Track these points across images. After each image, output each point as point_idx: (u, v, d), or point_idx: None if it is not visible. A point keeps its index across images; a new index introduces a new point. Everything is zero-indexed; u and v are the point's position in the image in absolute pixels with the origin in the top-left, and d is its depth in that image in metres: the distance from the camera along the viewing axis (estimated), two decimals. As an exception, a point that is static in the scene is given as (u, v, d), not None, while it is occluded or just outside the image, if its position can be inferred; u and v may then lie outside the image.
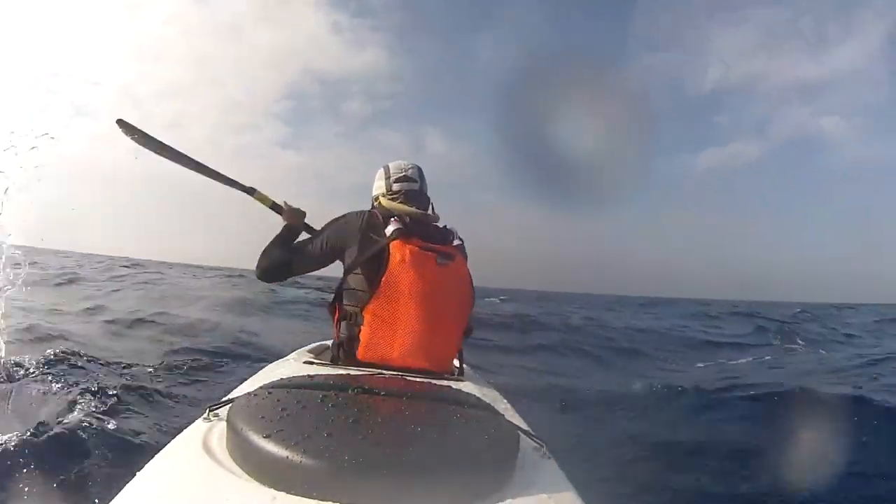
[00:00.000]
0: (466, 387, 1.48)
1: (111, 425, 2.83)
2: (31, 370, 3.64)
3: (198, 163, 2.13)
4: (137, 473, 0.92)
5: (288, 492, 0.85)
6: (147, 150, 2.16)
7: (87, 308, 7.93)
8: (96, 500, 2.12)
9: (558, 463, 1.09)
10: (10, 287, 4.12)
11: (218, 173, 2.13)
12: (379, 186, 1.87)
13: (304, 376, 1.28)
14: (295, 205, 2.03)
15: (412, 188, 1.84)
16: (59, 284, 11.65)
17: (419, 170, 1.90)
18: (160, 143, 2.15)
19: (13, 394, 3.13)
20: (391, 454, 0.90)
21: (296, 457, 0.86)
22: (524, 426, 1.23)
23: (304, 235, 1.97)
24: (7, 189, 3.46)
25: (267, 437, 0.90)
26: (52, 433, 2.62)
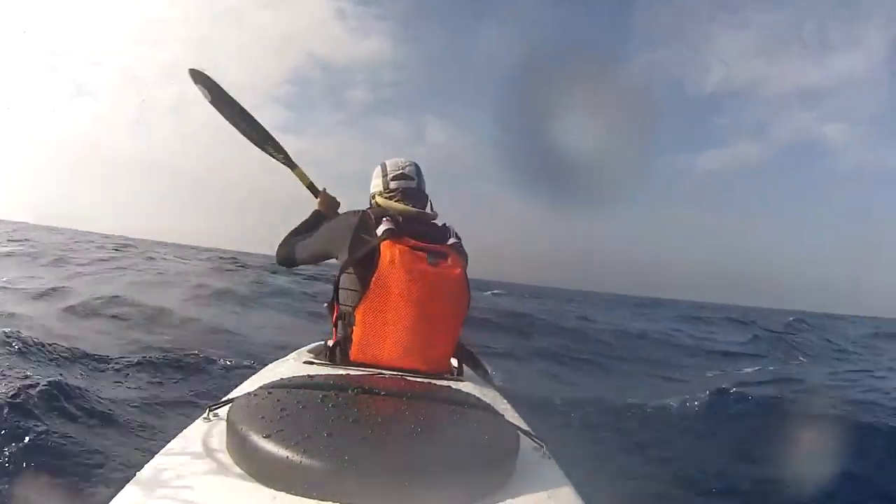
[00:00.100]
0: (466, 387, 1.48)
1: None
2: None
3: (259, 130, 2.07)
4: (137, 473, 0.92)
5: (288, 492, 0.85)
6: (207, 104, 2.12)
7: (49, 290, 7.71)
8: (96, 500, 2.12)
9: (558, 463, 1.09)
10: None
11: (270, 139, 2.07)
12: (376, 184, 1.86)
13: (304, 376, 1.28)
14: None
15: (409, 186, 1.84)
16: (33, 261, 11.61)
17: (417, 167, 1.88)
18: (233, 101, 2.09)
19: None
20: (391, 454, 0.90)
21: (296, 457, 0.85)
22: (524, 426, 1.23)
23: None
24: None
25: (267, 437, 0.90)
26: (50, 431, 2.62)
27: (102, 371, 4.07)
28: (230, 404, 1.08)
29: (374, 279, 1.59)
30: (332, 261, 1.81)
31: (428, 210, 1.84)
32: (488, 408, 1.21)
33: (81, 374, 3.84)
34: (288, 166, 2.10)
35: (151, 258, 17.88)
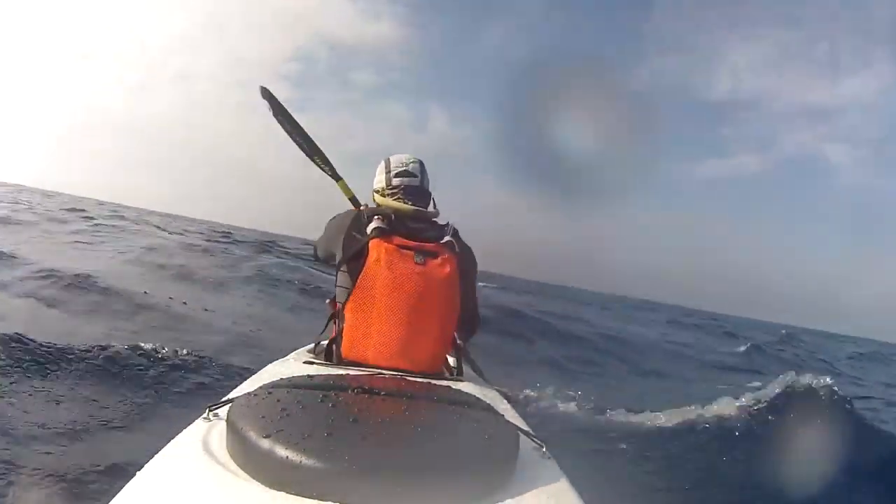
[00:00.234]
0: (466, 387, 1.48)
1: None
2: None
3: (310, 143, 2.10)
4: (137, 473, 0.92)
5: (288, 492, 0.85)
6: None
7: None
8: (96, 500, 2.12)
9: (558, 463, 1.09)
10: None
11: (319, 151, 2.08)
12: (379, 180, 1.86)
13: (304, 376, 1.28)
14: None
15: (412, 183, 1.83)
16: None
17: (421, 164, 1.88)
18: (290, 117, 2.13)
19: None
20: (391, 454, 0.90)
21: (296, 457, 0.86)
22: (524, 426, 1.23)
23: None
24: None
25: (267, 437, 0.90)
26: (47, 431, 2.62)
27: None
28: (230, 404, 1.08)
29: (359, 277, 1.61)
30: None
31: (431, 208, 1.84)
32: (488, 408, 1.21)
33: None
34: (333, 178, 2.10)
35: (138, 227, 17.15)
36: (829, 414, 4.89)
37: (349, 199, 2.07)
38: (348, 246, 1.70)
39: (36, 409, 2.92)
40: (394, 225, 1.68)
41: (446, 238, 1.71)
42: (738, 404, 5.15)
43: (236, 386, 1.43)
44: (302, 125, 2.09)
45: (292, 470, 0.85)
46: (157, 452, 1.00)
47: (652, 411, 5.00)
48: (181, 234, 18.63)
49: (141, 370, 4.01)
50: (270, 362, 1.76)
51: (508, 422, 1.17)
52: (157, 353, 4.24)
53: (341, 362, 1.65)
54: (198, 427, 1.09)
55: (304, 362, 1.71)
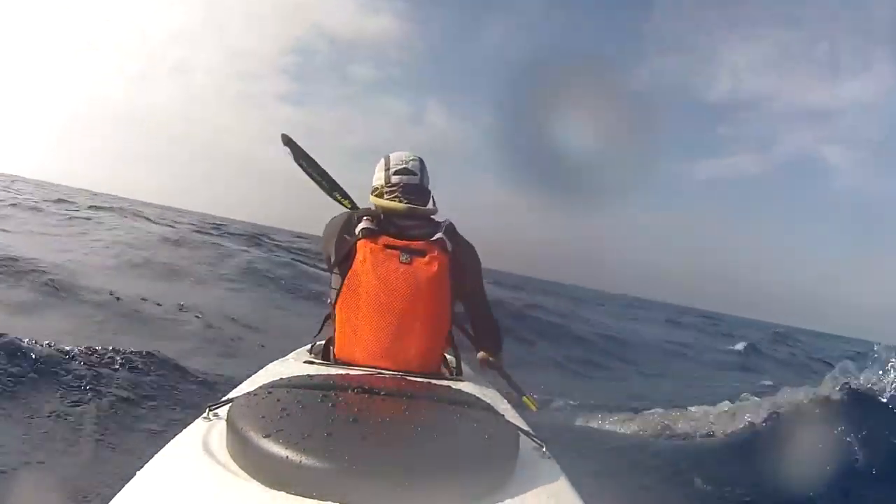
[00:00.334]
0: (466, 387, 1.48)
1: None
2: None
3: (329, 180, 2.10)
4: (137, 473, 0.92)
5: (288, 492, 0.85)
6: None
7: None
8: (95, 501, 2.12)
9: (558, 463, 1.09)
10: None
11: (337, 187, 2.07)
12: (378, 178, 1.86)
13: (304, 376, 1.28)
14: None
15: (412, 181, 1.83)
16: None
17: (421, 162, 1.87)
18: (312, 161, 2.15)
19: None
20: (391, 454, 0.90)
21: (296, 456, 0.85)
22: (524, 426, 1.22)
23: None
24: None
25: (267, 436, 0.90)
26: (48, 430, 2.62)
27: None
28: (230, 404, 1.08)
29: (346, 279, 1.63)
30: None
31: (430, 206, 1.83)
32: (488, 408, 1.21)
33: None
34: (353, 209, 2.11)
35: (122, 217, 16.28)
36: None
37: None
38: (339, 248, 1.72)
39: (31, 409, 2.92)
40: (383, 224, 1.69)
41: (437, 235, 1.69)
42: (743, 404, 5.11)
43: (236, 385, 1.43)
44: (319, 162, 2.09)
45: (292, 470, 0.85)
46: (156, 452, 1.00)
47: (654, 410, 4.98)
48: (171, 226, 17.78)
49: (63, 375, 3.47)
50: (271, 362, 1.76)
51: (508, 422, 1.17)
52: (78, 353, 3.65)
53: (335, 363, 1.67)
54: (198, 427, 1.09)
55: (304, 362, 1.72)
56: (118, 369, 3.64)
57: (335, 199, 2.05)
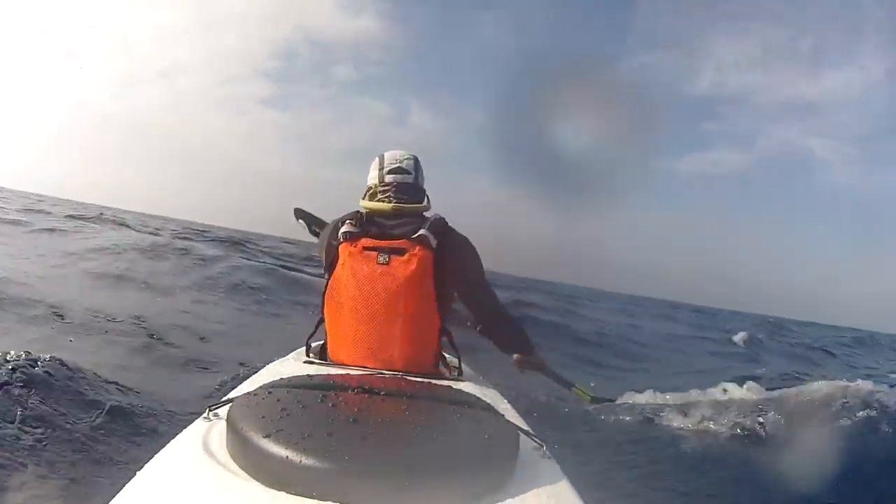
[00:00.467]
0: (466, 387, 1.48)
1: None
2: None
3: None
4: (137, 473, 0.92)
5: (288, 492, 0.85)
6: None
7: None
8: (96, 501, 2.12)
9: (558, 463, 1.09)
10: None
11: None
12: (373, 177, 1.85)
13: (304, 376, 1.28)
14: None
15: (406, 180, 1.82)
16: None
17: (416, 161, 1.87)
18: (322, 222, 2.22)
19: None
20: (391, 454, 0.90)
21: (296, 456, 0.86)
22: (524, 426, 1.23)
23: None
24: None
25: (267, 436, 0.90)
26: (48, 431, 2.62)
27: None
28: (230, 404, 1.08)
29: (328, 283, 1.67)
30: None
31: (424, 203, 1.82)
32: (488, 408, 1.21)
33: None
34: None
35: (80, 226, 14.71)
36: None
37: None
38: (329, 254, 1.75)
39: (30, 409, 2.91)
40: (365, 226, 1.69)
41: (420, 232, 1.66)
42: (758, 396, 4.95)
43: (236, 386, 1.43)
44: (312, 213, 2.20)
45: (292, 470, 0.85)
46: (156, 452, 1.00)
47: (657, 405, 4.92)
48: (154, 233, 16.57)
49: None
50: (270, 362, 1.77)
51: (508, 422, 1.17)
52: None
53: (329, 363, 1.68)
54: (198, 427, 1.09)
55: (305, 362, 1.72)
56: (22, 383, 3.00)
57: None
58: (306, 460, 0.85)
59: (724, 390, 5.14)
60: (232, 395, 1.24)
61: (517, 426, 1.16)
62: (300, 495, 0.84)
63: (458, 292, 1.85)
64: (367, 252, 1.63)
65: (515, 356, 2.00)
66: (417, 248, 1.63)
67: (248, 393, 1.13)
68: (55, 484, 2.23)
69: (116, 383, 3.48)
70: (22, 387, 2.97)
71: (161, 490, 0.88)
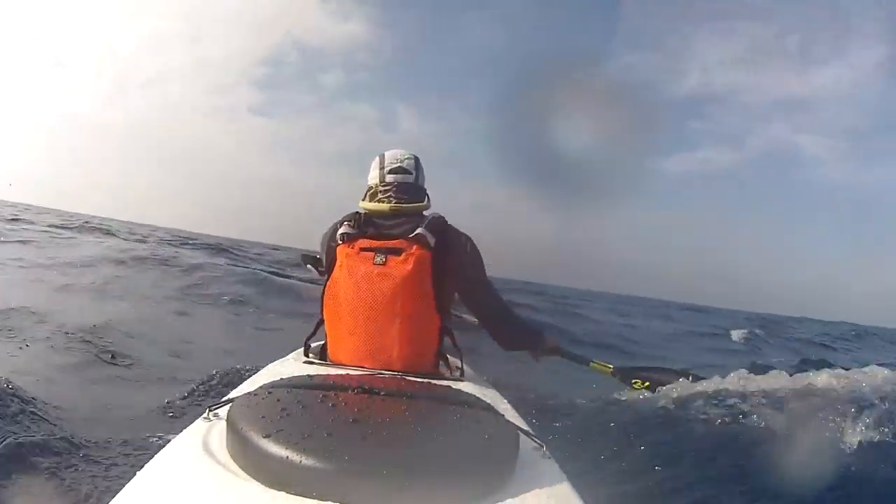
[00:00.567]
0: (466, 387, 1.48)
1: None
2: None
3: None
4: (137, 473, 0.92)
5: (288, 492, 0.85)
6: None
7: None
8: (96, 501, 2.12)
9: (558, 463, 1.09)
10: None
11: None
12: (373, 176, 1.85)
13: (304, 376, 1.28)
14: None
15: (406, 180, 1.82)
16: None
17: (416, 160, 1.86)
18: (315, 257, 2.23)
19: None
20: (391, 454, 0.90)
21: (296, 457, 0.86)
22: (524, 426, 1.23)
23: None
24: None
25: (267, 436, 0.90)
26: (48, 432, 2.62)
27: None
28: (230, 404, 1.09)
29: (327, 284, 1.68)
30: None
31: (424, 203, 1.82)
32: (488, 408, 1.21)
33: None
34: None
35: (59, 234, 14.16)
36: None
37: None
38: (328, 256, 1.77)
39: (29, 409, 2.91)
40: (362, 226, 1.70)
41: (417, 231, 1.65)
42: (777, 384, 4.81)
43: (236, 386, 1.43)
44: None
45: (293, 470, 0.85)
46: (157, 452, 1.00)
47: (662, 400, 4.85)
48: (140, 241, 15.87)
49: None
50: (270, 362, 1.77)
51: (508, 422, 1.17)
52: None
53: (329, 363, 1.70)
54: (198, 427, 1.09)
55: (305, 362, 1.72)
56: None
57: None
58: (306, 460, 0.85)
59: (740, 379, 5.00)
60: (232, 395, 1.25)
61: (517, 426, 1.16)
62: (300, 495, 0.84)
63: (458, 292, 1.84)
64: (365, 253, 1.64)
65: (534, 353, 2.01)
66: (414, 247, 1.62)
67: (248, 393, 1.13)
68: (55, 484, 2.23)
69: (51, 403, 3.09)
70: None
71: (161, 490, 0.88)
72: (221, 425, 1.04)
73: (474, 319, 2.03)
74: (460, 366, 1.84)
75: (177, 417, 3.07)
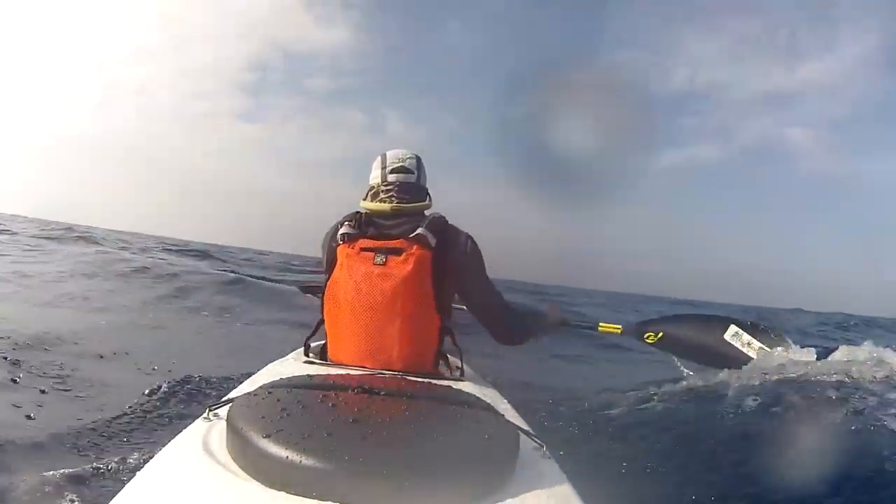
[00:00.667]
0: (466, 387, 1.48)
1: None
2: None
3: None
4: (137, 473, 0.92)
5: (288, 492, 0.85)
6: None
7: None
8: (96, 501, 2.12)
9: (558, 463, 1.09)
10: None
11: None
12: (375, 176, 1.85)
13: (304, 376, 1.29)
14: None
15: (408, 179, 1.82)
16: None
17: (418, 160, 1.86)
18: (314, 286, 2.33)
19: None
20: (391, 454, 0.90)
21: (296, 457, 0.86)
22: (524, 426, 1.23)
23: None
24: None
25: (267, 436, 0.90)
26: (49, 432, 2.63)
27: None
28: (230, 404, 1.09)
29: (328, 284, 1.68)
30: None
31: (426, 202, 1.82)
32: (488, 408, 1.21)
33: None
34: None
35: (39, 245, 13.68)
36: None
37: None
38: (328, 256, 1.77)
39: (29, 410, 2.91)
40: (363, 227, 1.70)
41: (417, 231, 1.65)
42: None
43: (236, 386, 1.44)
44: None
45: (292, 470, 0.85)
46: (157, 452, 1.00)
47: (664, 396, 4.79)
48: (124, 249, 15.24)
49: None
50: (270, 362, 1.77)
51: (508, 422, 1.17)
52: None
53: (329, 363, 1.70)
54: (198, 427, 1.09)
55: (305, 362, 1.72)
56: None
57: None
58: (306, 460, 0.85)
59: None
60: (232, 395, 1.25)
61: (517, 426, 1.16)
62: (300, 495, 0.84)
63: (458, 292, 1.85)
64: (365, 253, 1.64)
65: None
66: (415, 247, 1.62)
67: (248, 393, 1.13)
68: (55, 484, 2.23)
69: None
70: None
71: (161, 490, 0.88)
72: (221, 425, 1.04)
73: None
74: (460, 366, 1.84)
75: (177, 417, 3.08)
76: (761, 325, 2.34)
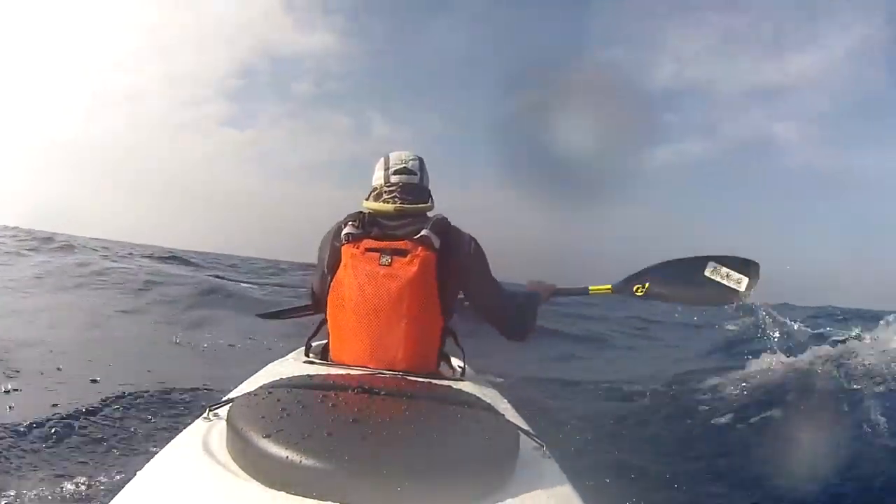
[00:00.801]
0: (467, 387, 1.48)
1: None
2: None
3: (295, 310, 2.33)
4: (137, 473, 0.92)
5: (288, 492, 0.85)
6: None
7: None
8: (96, 501, 2.12)
9: (558, 463, 1.09)
10: None
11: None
12: (378, 177, 1.85)
13: (304, 376, 1.28)
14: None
15: (411, 181, 1.82)
16: None
17: (421, 161, 1.87)
18: (285, 311, 2.47)
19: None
20: (391, 454, 0.90)
21: (296, 457, 0.86)
22: (524, 426, 1.23)
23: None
24: None
25: (267, 436, 0.90)
26: (49, 431, 2.63)
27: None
28: (230, 404, 1.09)
29: (332, 285, 1.68)
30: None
31: (428, 204, 1.82)
32: (488, 408, 1.21)
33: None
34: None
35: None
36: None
37: None
38: (331, 256, 1.75)
39: (29, 410, 2.91)
40: (367, 227, 1.69)
41: (422, 232, 1.65)
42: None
43: (235, 386, 1.43)
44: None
45: (292, 470, 0.85)
46: (157, 452, 1.00)
47: (664, 393, 4.75)
48: (102, 257, 14.18)
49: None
50: (270, 362, 1.77)
51: (508, 422, 1.17)
52: None
53: (331, 363, 1.69)
54: (198, 427, 1.09)
55: (305, 362, 1.72)
56: None
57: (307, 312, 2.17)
58: (306, 460, 0.85)
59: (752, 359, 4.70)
60: (232, 395, 1.25)
61: (517, 426, 1.16)
62: (300, 495, 0.84)
63: (463, 293, 1.85)
64: (370, 253, 1.63)
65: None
66: (420, 248, 1.62)
67: (248, 393, 1.13)
68: (55, 484, 2.23)
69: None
70: None
71: (161, 490, 0.88)
72: (221, 425, 1.04)
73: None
74: (461, 366, 1.84)
75: (176, 417, 3.08)
76: (736, 257, 2.46)
